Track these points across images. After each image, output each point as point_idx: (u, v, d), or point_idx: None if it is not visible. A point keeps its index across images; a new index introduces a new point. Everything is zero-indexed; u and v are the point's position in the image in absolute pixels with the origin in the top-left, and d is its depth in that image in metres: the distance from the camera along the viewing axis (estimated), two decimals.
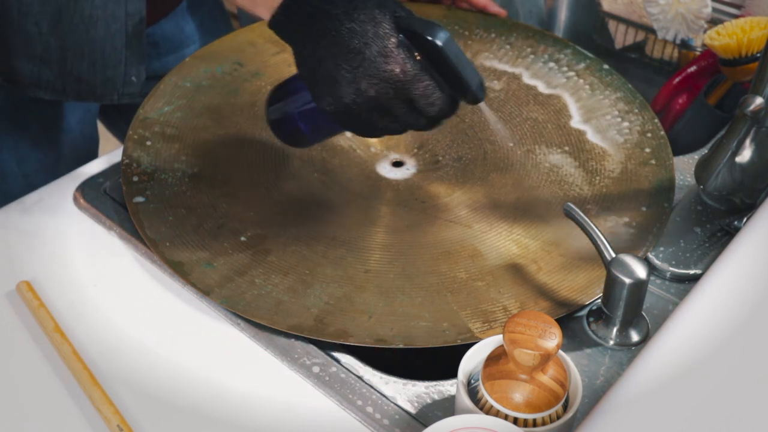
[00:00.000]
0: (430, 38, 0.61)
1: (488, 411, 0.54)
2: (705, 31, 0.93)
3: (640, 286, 0.63)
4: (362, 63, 0.61)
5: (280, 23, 0.66)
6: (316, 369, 0.64)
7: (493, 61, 0.93)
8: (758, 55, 0.85)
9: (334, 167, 0.82)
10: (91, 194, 0.79)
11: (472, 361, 0.58)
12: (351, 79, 0.61)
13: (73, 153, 1.01)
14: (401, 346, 0.64)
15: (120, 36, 0.86)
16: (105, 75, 0.87)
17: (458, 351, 0.59)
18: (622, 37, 1.09)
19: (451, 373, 0.61)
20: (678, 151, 0.84)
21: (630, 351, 0.66)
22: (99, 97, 0.89)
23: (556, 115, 0.87)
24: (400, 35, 0.61)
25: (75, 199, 0.79)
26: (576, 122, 0.86)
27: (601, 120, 0.86)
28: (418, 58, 0.62)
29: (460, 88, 0.63)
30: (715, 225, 0.75)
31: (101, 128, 1.10)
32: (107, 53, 0.86)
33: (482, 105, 0.65)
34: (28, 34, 0.83)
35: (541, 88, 0.90)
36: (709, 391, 0.51)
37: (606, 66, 0.92)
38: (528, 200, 0.78)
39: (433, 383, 0.64)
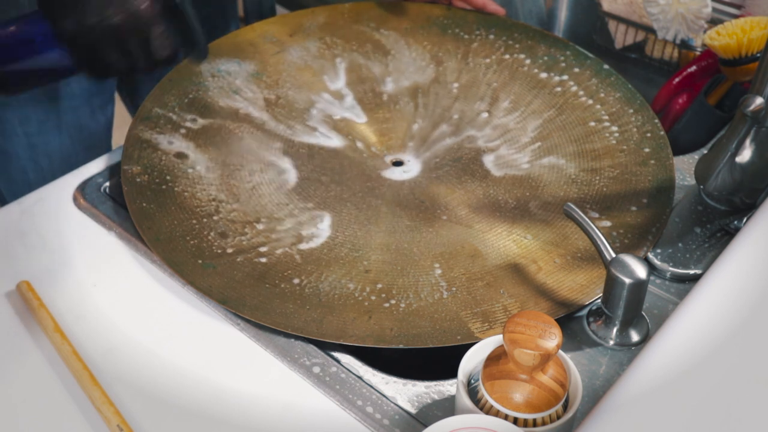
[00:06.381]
0: None
1: (488, 411, 0.54)
2: (705, 31, 0.93)
3: (640, 286, 0.63)
4: None
5: None
6: (316, 369, 0.64)
7: (490, 70, 0.93)
8: (758, 55, 0.85)
9: (334, 167, 0.82)
10: (91, 194, 0.79)
11: (472, 361, 0.58)
12: (99, 3, 0.67)
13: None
14: (401, 346, 0.64)
15: None
16: None
17: (458, 351, 0.59)
18: (622, 37, 1.09)
19: (451, 373, 0.61)
20: (678, 151, 0.84)
21: (630, 351, 0.66)
22: None
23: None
24: None
25: (75, 199, 0.79)
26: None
27: (587, 126, 0.86)
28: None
29: (190, 43, 0.76)
30: (715, 225, 0.75)
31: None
32: None
33: None
34: None
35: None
36: (709, 391, 0.51)
37: (606, 66, 0.92)
38: (528, 200, 0.78)
39: (433, 383, 0.64)
